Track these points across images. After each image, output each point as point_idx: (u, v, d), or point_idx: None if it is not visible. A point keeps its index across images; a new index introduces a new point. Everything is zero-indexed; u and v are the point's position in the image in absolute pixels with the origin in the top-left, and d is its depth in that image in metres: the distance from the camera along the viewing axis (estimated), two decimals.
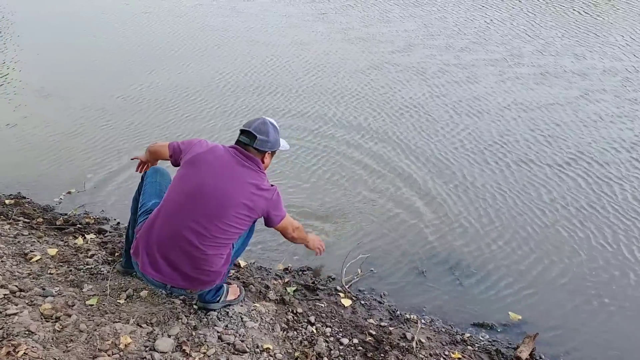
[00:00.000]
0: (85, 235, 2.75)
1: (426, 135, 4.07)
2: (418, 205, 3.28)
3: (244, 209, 1.98)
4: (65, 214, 2.98)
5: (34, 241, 2.61)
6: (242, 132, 2.07)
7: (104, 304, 2.18)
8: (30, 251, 2.49)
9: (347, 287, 2.59)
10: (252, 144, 2.04)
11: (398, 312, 2.49)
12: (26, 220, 2.83)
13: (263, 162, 2.08)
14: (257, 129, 2.04)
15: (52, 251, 2.52)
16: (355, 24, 6.40)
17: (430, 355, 2.22)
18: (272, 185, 2.08)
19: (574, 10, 7.12)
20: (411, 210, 3.23)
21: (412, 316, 2.48)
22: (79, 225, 2.85)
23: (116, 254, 2.57)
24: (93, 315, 2.09)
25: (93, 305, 2.16)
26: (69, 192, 3.19)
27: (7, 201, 3.03)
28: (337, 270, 2.71)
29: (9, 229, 2.70)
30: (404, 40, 5.96)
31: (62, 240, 2.68)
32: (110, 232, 2.84)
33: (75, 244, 2.65)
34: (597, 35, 6.20)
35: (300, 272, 2.70)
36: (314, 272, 2.73)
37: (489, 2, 7.39)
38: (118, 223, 2.97)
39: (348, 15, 6.67)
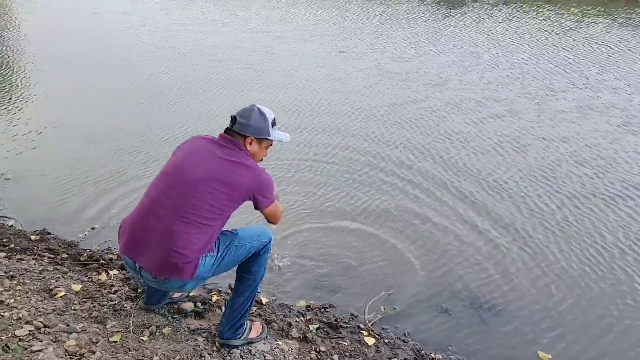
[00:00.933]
0: (109, 271, 2.76)
1: (471, 171, 4.06)
2: (442, 242, 3.25)
3: (217, 184, 1.92)
4: (89, 250, 3.00)
5: (58, 277, 2.63)
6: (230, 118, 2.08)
7: (127, 341, 2.17)
8: (55, 287, 2.51)
9: (370, 325, 2.55)
10: (232, 127, 2.04)
11: (423, 352, 2.43)
12: (51, 255, 2.86)
13: (246, 147, 2.04)
14: (240, 113, 2.05)
15: (77, 287, 2.53)
16: (387, 59, 6.48)
17: None
18: (259, 168, 2.03)
19: (607, 45, 7.16)
20: (435, 247, 3.20)
21: (437, 356, 2.42)
22: (103, 261, 2.87)
23: (139, 290, 2.58)
24: (117, 352, 2.08)
25: (117, 342, 2.16)
26: (93, 228, 3.23)
27: (32, 237, 3.08)
28: (359, 307, 2.68)
29: (35, 264, 2.73)
30: (439, 75, 6.04)
31: (86, 276, 2.70)
32: None
33: (99, 279, 2.66)
34: (632, 69, 6.23)
35: (323, 310, 2.67)
36: (336, 309, 2.69)
37: (522, 39, 7.47)
38: None
39: (380, 51, 6.77)
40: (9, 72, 5.92)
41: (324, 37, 7.16)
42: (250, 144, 2.05)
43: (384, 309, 2.68)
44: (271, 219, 2.15)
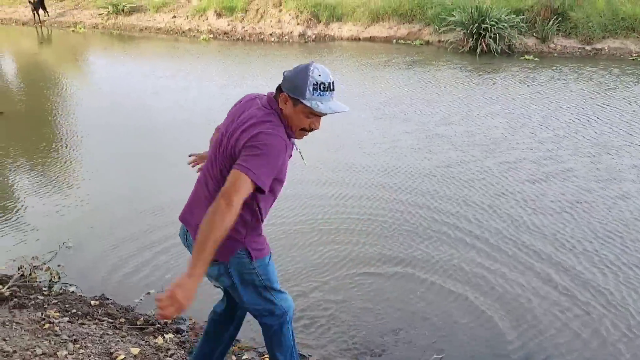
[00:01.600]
0: (164, 334, 2.87)
1: (537, 228, 4.06)
2: (520, 302, 3.23)
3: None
4: (146, 314, 3.13)
5: (117, 340, 2.75)
6: None
7: None
8: (115, 350, 2.62)
9: None
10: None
11: None
12: (110, 320, 3.00)
13: (279, 105, 1.81)
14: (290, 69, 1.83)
15: (135, 350, 2.64)
16: (435, 123, 6.62)
17: None
18: (270, 125, 1.75)
19: None
20: (485, 316, 3.18)
21: None
22: (158, 325, 2.98)
23: (193, 352, 2.66)
24: None
25: None
26: (148, 293, 3.37)
27: (92, 302, 3.24)
28: None
29: (95, 328, 2.86)
30: (490, 136, 6.10)
31: (143, 340, 2.81)
32: (187, 332, 2.95)
33: (155, 343, 2.77)
34: None
35: None
36: None
37: (568, 99, 7.53)
38: (194, 323, 3.08)
39: (429, 115, 6.93)
40: (66, 141, 6.37)
41: (372, 104, 7.41)
42: (285, 102, 1.79)
43: None
44: (224, 191, 1.67)
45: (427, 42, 11.86)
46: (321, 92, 1.75)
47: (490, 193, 4.70)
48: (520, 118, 6.75)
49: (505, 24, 10.67)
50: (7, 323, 2.82)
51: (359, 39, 12.39)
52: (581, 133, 6.15)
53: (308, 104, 1.76)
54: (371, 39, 12.30)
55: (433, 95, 7.99)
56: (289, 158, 1.86)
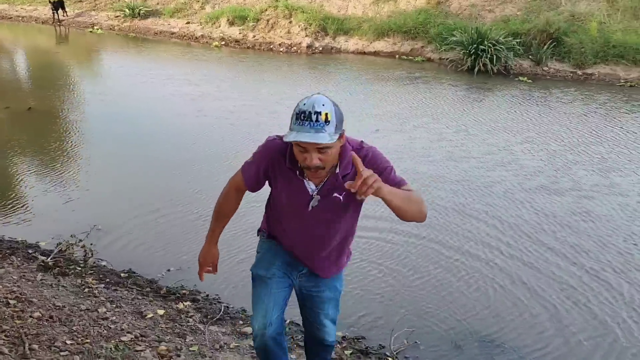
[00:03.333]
0: (184, 302, 3.43)
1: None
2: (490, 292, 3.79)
3: None
4: (167, 286, 3.69)
5: (146, 303, 3.31)
6: None
7: (203, 351, 2.80)
8: (145, 310, 3.19)
9: (395, 354, 3.10)
10: None
11: None
12: (138, 288, 3.56)
13: None
14: None
15: (161, 311, 3.20)
16: (431, 138, 7.17)
17: None
18: (273, 136, 1.95)
19: None
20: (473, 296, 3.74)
21: None
22: (178, 295, 3.54)
23: (208, 316, 3.23)
24: (196, 358, 2.71)
25: (195, 351, 2.79)
26: (169, 270, 3.93)
27: (122, 274, 3.80)
28: (386, 339, 3.23)
29: (127, 293, 3.43)
30: (479, 152, 6.59)
31: (167, 305, 3.37)
32: (202, 301, 3.51)
33: (177, 307, 3.33)
34: None
35: (355, 340, 3.23)
36: (367, 340, 3.25)
37: (560, 120, 8.07)
38: (207, 295, 3.64)
39: (425, 129, 7.50)
40: (90, 136, 6.92)
41: (371, 117, 7.98)
42: None
43: (407, 342, 3.22)
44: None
45: (429, 59, 12.46)
46: (301, 122, 1.68)
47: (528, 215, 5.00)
48: (511, 135, 7.31)
49: (503, 46, 11.27)
50: (54, 285, 3.40)
51: (364, 52, 13.00)
52: (570, 150, 6.66)
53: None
54: (375, 54, 12.91)
55: (427, 110, 8.56)
56: (299, 191, 1.91)
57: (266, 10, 14.22)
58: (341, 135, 1.79)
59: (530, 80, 10.83)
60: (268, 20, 13.95)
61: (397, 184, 1.86)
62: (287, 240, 2.09)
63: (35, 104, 8.34)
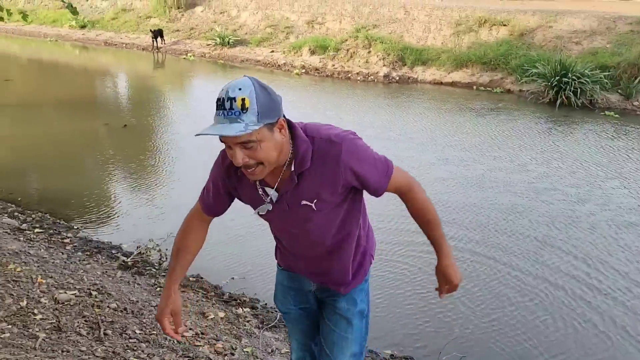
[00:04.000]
0: (244, 308, 3.65)
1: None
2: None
3: None
4: (230, 293, 3.94)
5: (209, 306, 3.57)
6: None
7: (256, 353, 2.98)
8: (207, 311, 3.44)
9: None
10: None
11: None
12: (203, 292, 3.84)
13: None
14: None
15: (222, 314, 3.44)
16: (509, 169, 7.09)
17: None
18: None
19: None
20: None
21: None
22: (239, 301, 3.78)
23: (264, 322, 3.42)
24: (248, 358, 2.90)
25: (248, 352, 2.98)
26: (232, 278, 4.19)
27: (190, 278, 4.10)
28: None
29: (193, 295, 3.71)
30: (566, 186, 6.38)
31: (228, 309, 3.61)
32: (260, 309, 3.72)
33: (236, 312, 3.56)
34: None
35: (403, 359, 3.28)
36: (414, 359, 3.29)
37: None
38: (265, 304, 3.84)
39: (501, 159, 7.42)
40: (177, 151, 7.49)
41: (444, 147, 8.01)
42: None
43: None
44: None
45: (508, 91, 12.25)
46: (216, 111, 1.42)
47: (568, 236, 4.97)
48: (599, 169, 7.00)
49: (588, 79, 10.87)
50: (130, 283, 3.75)
51: (441, 83, 13.01)
52: None
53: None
54: (453, 84, 12.88)
55: (508, 142, 8.41)
56: (258, 199, 1.67)
57: (347, 40, 14.67)
58: (273, 125, 1.45)
59: (617, 115, 10.32)
60: (348, 50, 14.37)
61: (386, 177, 1.63)
62: (288, 258, 1.87)
63: (131, 121, 9.15)
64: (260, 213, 1.69)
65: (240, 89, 1.39)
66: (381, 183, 1.63)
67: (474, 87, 12.57)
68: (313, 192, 1.58)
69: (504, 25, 13.61)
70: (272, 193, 1.63)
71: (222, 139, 1.43)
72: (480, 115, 10.20)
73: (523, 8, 15.26)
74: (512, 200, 5.91)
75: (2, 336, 2.44)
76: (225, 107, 1.39)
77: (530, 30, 13.34)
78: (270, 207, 1.65)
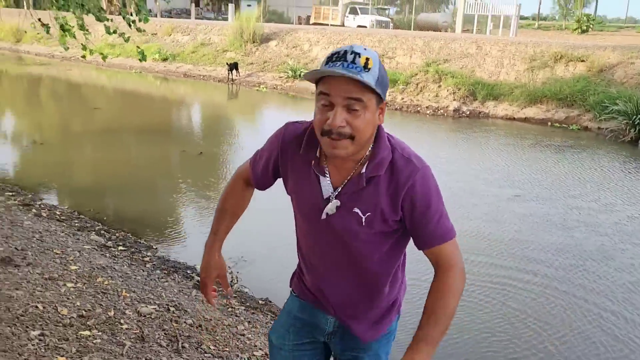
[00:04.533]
0: None
1: None
2: None
3: None
4: None
5: None
6: None
7: None
8: None
9: None
10: None
11: None
12: (272, 315, 3.93)
13: None
14: None
15: None
16: (593, 209, 6.80)
17: None
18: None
19: None
20: None
21: None
22: None
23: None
24: None
25: None
26: None
27: (260, 301, 4.21)
28: None
29: (262, 317, 3.81)
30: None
31: None
32: None
33: None
34: None
35: None
36: None
37: None
38: None
39: (579, 198, 7.18)
40: None
41: (516, 184, 7.82)
42: None
43: None
44: None
45: (585, 128, 11.81)
46: (331, 63, 1.30)
47: None
48: None
49: None
50: (204, 302, 3.90)
51: (514, 118, 12.75)
52: None
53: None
54: (526, 120, 12.58)
55: (590, 180, 8.07)
56: (312, 191, 1.48)
57: (416, 74, 14.76)
58: (381, 102, 1.37)
59: None
60: (417, 84, 14.43)
61: (436, 239, 1.41)
62: (309, 274, 1.64)
63: (206, 149, 9.60)
64: (329, 213, 1.44)
65: (365, 49, 1.32)
66: (433, 236, 1.41)
67: (549, 124, 12.22)
68: (371, 204, 1.40)
69: (582, 61, 13.22)
70: (326, 184, 1.45)
71: (329, 90, 1.30)
72: (559, 152, 9.89)
73: (602, 44, 14.80)
74: (599, 240, 5.66)
75: (94, 341, 2.63)
76: (347, 59, 1.29)
77: (610, 67, 12.88)
78: (338, 203, 1.42)
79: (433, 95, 13.98)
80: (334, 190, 1.44)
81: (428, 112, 13.56)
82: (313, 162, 1.45)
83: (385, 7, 41.90)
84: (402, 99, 14.29)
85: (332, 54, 1.32)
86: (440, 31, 27.61)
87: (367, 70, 1.29)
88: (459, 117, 13.07)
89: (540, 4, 69.57)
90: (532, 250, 5.38)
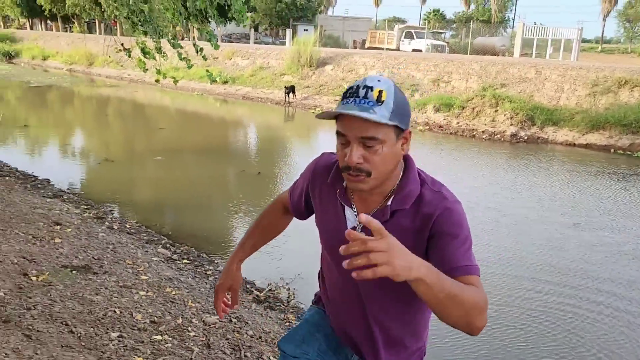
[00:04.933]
0: None
1: None
2: None
3: None
4: None
5: None
6: None
7: None
8: None
9: None
10: None
11: None
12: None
13: None
14: None
15: None
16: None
17: None
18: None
19: None
20: None
21: None
22: None
23: None
24: None
25: None
26: None
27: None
28: None
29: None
30: None
31: None
32: None
33: None
34: None
35: None
36: None
37: None
38: None
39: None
40: None
41: (577, 213, 7.63)
42: None
43: None
44: None
45: None
46: (345, 100, 1.30)
47: None
48: None
49: None
50: (263, 315, 4.08)
51: (574, 144, 12.42)
52: None
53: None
54: (587, 146, 12.23)
55: None
56: (337, 221, 1.48)
57: (473, 99, 14.66)
58: (401, 132, 1.33)
59: None
60: (473, 108, 14.33)
61: (460, 269, 1.27)
62: (330, 309, 1.64)
63: (264, 169, 9.93)
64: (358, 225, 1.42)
65: (379, 81, 1.29)
66: (457, 266, 1.28)
67: (612, 150, 11.83)
68: (395, 238, 1.18)
69: None
70: (351, 216, 1.43)
71: (343, 129, 1.29)
72: (625, 179, 9.57)
73: None
74: None
75: (165, 345, 2.85)
76: (359, 94, 1.27)
77: None
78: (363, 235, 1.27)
79: (489, 119, 13.83)
80: (360, 223, 1.30)
81: (484, 136, 13.42)
82: (339, 191, 1.45)
83: (441, 31, 41.88)
84: (458, 123, 14.21)
85: (347, 90, 1.31)
86: (498, 55, 27.29)
87: (380, 103, 1.27)
88: (517, 142, 12.85)
89: (604, 27, 67.41)
90: (602, 281, 5.22)
